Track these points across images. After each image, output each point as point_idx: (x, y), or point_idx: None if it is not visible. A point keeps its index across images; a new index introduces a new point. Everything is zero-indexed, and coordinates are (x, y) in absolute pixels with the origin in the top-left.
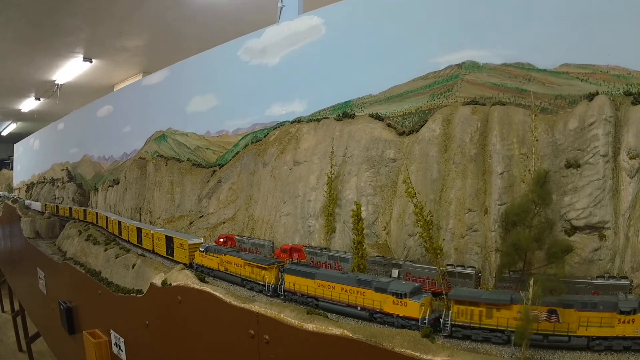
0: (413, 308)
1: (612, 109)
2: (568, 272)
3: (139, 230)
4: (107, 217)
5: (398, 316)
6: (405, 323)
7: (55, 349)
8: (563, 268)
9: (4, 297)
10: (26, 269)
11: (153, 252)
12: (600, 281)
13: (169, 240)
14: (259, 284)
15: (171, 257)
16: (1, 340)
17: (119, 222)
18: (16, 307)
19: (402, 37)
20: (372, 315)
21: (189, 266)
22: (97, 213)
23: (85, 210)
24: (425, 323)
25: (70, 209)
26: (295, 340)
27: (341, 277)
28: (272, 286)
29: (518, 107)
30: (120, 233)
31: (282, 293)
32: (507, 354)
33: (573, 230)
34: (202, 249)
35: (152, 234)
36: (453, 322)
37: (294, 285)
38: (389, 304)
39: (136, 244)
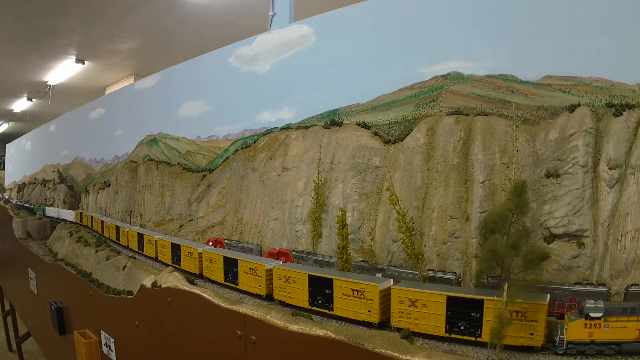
0: None
1: (593, 121)
2: (546, 278)
3: (175, 246)
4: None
5: None
6: None
7: (45, 349)
8: (540, 274)
9: None
10: (17, 269)
11: (200, 276)
12: (577, 287)
13: (230, 263)
14: None
15: (233, 285)
16: None
17: (155, 240)
18: (6, 307)
19: (389, 48)
20: None
21: (267, 298)
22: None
23: (118, 228)
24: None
25: (117, 227)
26: (280, 341)
27: None
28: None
29: (501, 117)
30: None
31: None
32: (483, 356)
33: (552, 237)
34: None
35: (201, 253)
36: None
37: None
38: None
39: (178, 265)
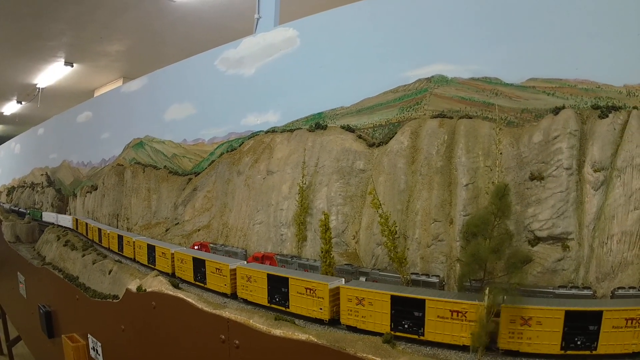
0: None
1: (577, 123)
2: (531, 281)
3: (150, 247)
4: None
5: None
6: None
7: (35, 352)
8: (524, 277)
9: None
10: (7, 272)
11: (173, 275)
12: (562, 291)
13: (198, 263)
14: None
15: (201, 284)
16: None
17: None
18: None
19: (374, 51)
20: None
21: (232, 297)
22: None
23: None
24: None
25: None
26: (263, 345)
27: None
28: None
29: (484, 120)
30: (201, 278)
31: None
32: None
33: (536, 240)
34: None
35: (173, 253)
36: None
37: None
38: None
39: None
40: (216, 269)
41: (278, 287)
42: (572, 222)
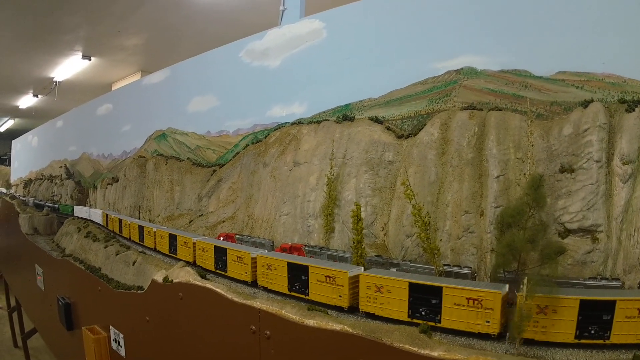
0: None
1: (606, 116)
2: (561, 273)
3: (172, 237)
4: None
5: None
6: None
7: (52, 345)
8: (556, 269)
9: (0, 293)
10: (24, 265)
11: (194, 264)
12: (592, 282)
13: (220, 251)
14: None
15: (222, 272)
16: None
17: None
18: (12, 303)
19: (402, 42)
20: None
21: (252, 284)
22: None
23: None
24: None
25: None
26: (296, 336)
27: None
28: None
29: (514, 112)
30: (222, 267)
31: None
32: (501, 350)
33: (567, 232)
34: None
35: (195, 242)
36: None
37: None
38: None
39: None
40: (237, 257)
41: (298, 275)
42: (601, 214)
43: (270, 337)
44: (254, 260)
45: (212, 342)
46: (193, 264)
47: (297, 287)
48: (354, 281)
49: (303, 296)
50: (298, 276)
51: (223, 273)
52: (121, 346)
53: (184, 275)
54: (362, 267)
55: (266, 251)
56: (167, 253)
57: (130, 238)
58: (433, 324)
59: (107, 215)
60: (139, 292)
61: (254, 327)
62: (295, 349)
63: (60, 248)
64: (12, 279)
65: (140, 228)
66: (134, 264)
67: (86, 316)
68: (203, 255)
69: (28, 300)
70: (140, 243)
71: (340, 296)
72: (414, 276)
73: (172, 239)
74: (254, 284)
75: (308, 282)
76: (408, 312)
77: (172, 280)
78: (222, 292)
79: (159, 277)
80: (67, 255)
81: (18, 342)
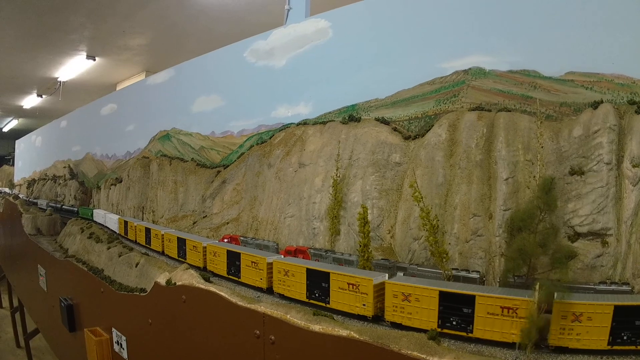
0: None
1: (616, 118)
2: (571, 277)
3: (181, 241)
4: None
5: None
6: None
7: (54, 346)
8: (567, 273)
9: (3, 293)
10: (26, 265)
11: (204, 269)
12: (602, 287)
13: (233, 256)
14: None
15: (235, 278)
16: None
17: None
18: (15, 303)
19: (409, 42)
20: None
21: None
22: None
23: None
24: None
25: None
26: (301, 341)
27: None
28: None
29: (523, 113)
30: (235, 272)
31: None
32: (511, 357)
33: (576, 236)
34: None
35: (205, 247)
36: None
37: None
38: None
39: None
40: (252, 262)
41: (318, 282)
42: (611, 217)
43: (275, 342)
44: (269, 266)
45: (216, 346)
46: (204, 269)
47: (317, 295)
48: (379, 289)
49: (323, 304)
50: (318, 283)
51: (236, 279)
52: (123, 348)
53: (187, 277)
54: (387, 275)
55: (282, 256)
56: (176, 257)
57: (163, 252)
58: (465, 334)
59: (125, 222)
60: (141, 294)
61: (258, 332)
62: (300, 355)
63: (63, 249)
64: (15, 279)
65: (182, 241)
66: (136, 265)
67: (88, 318)
68: (214, 260)
69: (31, 301)
70: (177, 258)
71: (365, 305)
72: (445, 284)
73: (181, 242)
74: (269, 290)
75: (329, 289)
76: (438, 321)
77: (175, 283)
78: (226, 296)
79: (162, 280)
80: (70, 256)
81: (21, 342)
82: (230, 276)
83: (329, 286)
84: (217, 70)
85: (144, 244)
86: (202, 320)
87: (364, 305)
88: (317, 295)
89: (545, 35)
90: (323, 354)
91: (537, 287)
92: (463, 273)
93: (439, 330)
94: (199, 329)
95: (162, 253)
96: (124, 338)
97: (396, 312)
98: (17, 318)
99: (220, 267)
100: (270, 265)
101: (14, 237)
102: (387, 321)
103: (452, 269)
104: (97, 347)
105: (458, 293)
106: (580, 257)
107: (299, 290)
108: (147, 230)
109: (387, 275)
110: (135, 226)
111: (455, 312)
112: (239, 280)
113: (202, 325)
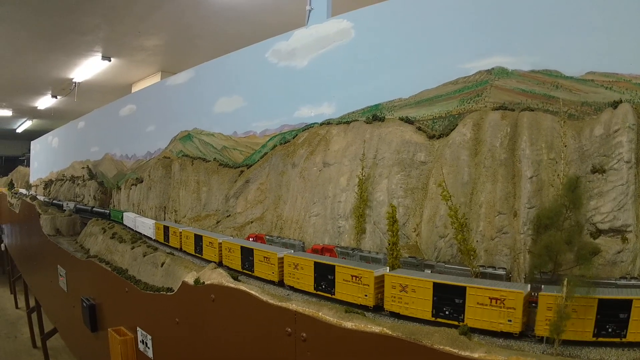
0: None
1: (634, 117)
2: (594, 273)
3: (198, 237)
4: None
5: None
6: None
7: (72, 346)
8: (590, 269)
9: (19, 293)
10: (45, 265)
11: (220, 264)
12: (623, 282)
13: (246, 252)
14: None
15: (249, 272)
16: (15, 336)
17: None
18: (31, 303)
19: (431, 42)
20: None
21: (279, 284)
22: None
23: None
24: None
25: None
26: (333, 338)
27: None
28: None
29: (546, 113)
30: (248, 267)
31: None
32: (539, 351)
33: (598, 233)
34: None
35: (221, 243)
36: None
37: None
38: None
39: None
40: (264, 257)
41: (324, 275)
42: (631, 214)
43: (307, 340)
44: (280, 260)
45: (245, 344)
46: (219, 264)
47: (324, 286)
48: (380, 281)
49: (329, 295)
50: (324, 276)
51: (250, 273)
52: (149, 347)
53: (216, 277)
54: (387, 267)
55: (292, 251)
56: (193, 253)
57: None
58: (456, 322)
59: (166, 228)
60: (168, 293)
61: (289, 330)
62: (332, 352)
63: (84, 249)
64: (32, 279)
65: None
66: (162, 265)
67: (112, 317)
68: (230, 255)
69: (49, 301)
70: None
71: (366, 295)
72: (445, 277)
73: (198, 239)
74: (280, 283)
75: (334, 281)
76: (432, 311)
77: (203, 282)
78: (257, 294)
79: (189, 279)
80: (92, 256)
81: (37, 342)
82: (244, 270)
83: (334, 278)
84: (239, 71)
85: (193, 252)
86: (232, 319)
87: (365, 295)
88: (323, 286)
89: (565, 36)
90: (355, 350)
91: (564, 282)
92: (490, 270)
93: (433, 319)
94: (228, 327)
95: (220, 264)
96: (149, 337)
97: (394, 302)
98: (33, 318)
99: (235, 262)
100: (281, 260)
101: (31, 238)
102: (387, 310)
103: (479, 265)
104: (121, 346)
105: (450, 284)
106: (602, 254)
107: (308, 282)
108: (198, 238)
109: (387, 268)
110: (181, 232)
111: (448, 302)
112: (252, 274)
113: (231, 323)
